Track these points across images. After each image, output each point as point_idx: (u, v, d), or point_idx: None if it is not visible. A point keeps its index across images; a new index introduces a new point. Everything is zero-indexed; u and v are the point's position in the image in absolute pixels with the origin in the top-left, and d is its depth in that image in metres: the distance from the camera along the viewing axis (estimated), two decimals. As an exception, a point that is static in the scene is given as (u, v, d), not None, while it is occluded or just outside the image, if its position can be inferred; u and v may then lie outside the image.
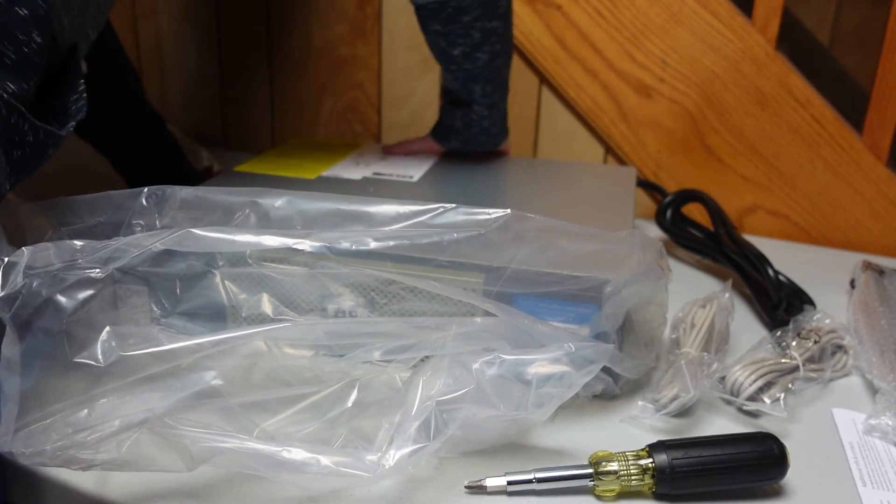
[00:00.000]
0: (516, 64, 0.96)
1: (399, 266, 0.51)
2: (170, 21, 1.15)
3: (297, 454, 0.39)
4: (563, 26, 0.91)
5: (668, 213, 0.81)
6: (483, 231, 0.48)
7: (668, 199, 0.82)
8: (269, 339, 0.43)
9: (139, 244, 0.43)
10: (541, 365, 0.43)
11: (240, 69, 1.14)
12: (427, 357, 0.46)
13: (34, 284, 0.41)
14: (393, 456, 0.40)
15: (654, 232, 0.84)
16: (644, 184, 0.88)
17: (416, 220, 0.49)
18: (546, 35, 0.92)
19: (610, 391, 0.53)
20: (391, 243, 0.46)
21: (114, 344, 0.40)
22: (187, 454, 0.39)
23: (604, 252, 0.51)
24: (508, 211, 0.49)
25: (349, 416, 0.44)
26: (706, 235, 0.79)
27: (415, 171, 0.76)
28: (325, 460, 0.39)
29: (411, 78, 1.03)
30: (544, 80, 0.95)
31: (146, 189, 0.50)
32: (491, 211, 0.49)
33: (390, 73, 1.04)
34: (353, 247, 0.46)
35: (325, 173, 0.74)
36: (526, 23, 0.92)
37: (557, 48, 0.92)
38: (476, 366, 0.43)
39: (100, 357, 0.40)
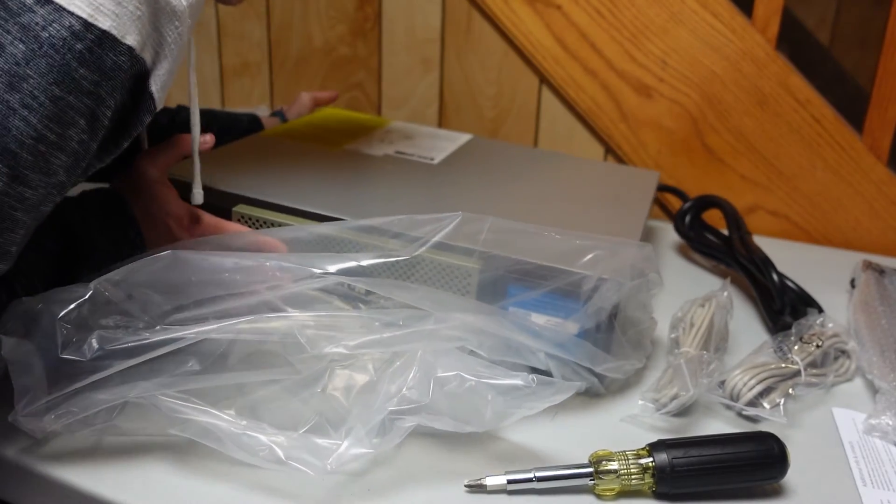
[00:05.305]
0: (517, 64, 0.96)
1: (400, 243, 0.52)
2: (170, 21, 1.15)
3: (256, 440, 0.42)
4: (563, 26, 0.90)
5: (687, 219, 0.81)
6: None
7: (687, 204, 0.82)
8: (244, 332, 0.45)
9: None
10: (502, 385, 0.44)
11: (240, 69, 1.14)
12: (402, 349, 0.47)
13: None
14: (339, 458, 0.42)
15: (672, 237, 0.84)
16: (666, 188, 0.88)
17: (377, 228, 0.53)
18: (546, 35, 0.92)
19: (595, 390, 0.53)
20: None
21: (95, 345, 0.43)
22: (164, 421, 0.43)
23: (589, 250, 0.52)
24: (459, 214, 0.51)
25: (319, 401, 0.46)
26: (721, 240, 0.78)
27: (438, 153, 0.77)
28: (279, 451, 0.42)
29: (411, 78, 1.03)
30: (544, 80, 0.95)
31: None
32: (442, 216, 0.51)
33: (390, 73, 1.04)
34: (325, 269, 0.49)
35: (348, 146, 0.76)
36: (526, 23, 0.92)
37: (557, 48, 0.92)
38: (435, 378, 0.44)
39: (85, 351, 0.43)
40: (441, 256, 0.54)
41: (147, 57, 0.45)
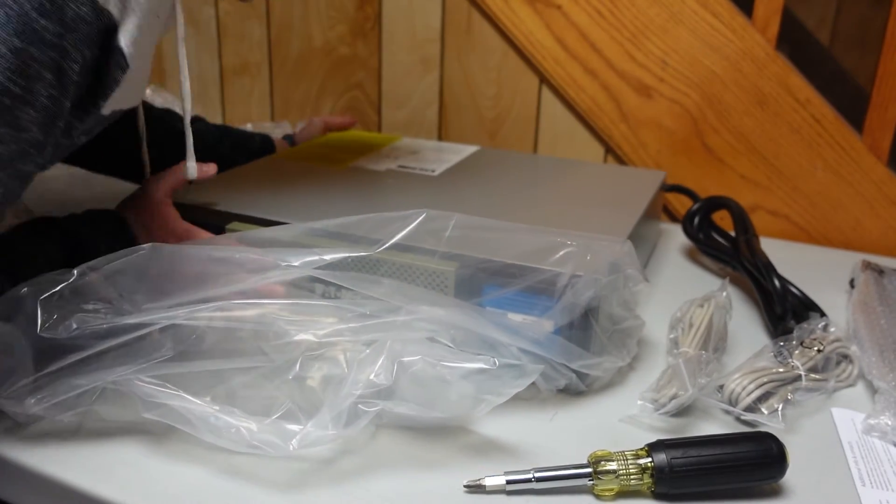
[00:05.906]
0: (517, 64, 0.96)
1: (374, 250, 0.53)
2: (170, 21, 1.15)
3: (225, 422, 0.44)
4: (563, 26, 0.91)
5: (696, 221, 0.80)
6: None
7: (695, 206, 0.81)
8: (217, 319, 0.46)
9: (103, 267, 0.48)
10: (465, 368, 0.45)
11: (240, 69, 1.14)
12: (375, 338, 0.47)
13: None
14: (303, 440, 0.43)
15: (681, 239, 0.84)
16: (676, 188, 0.87)
17: (343, 231, 0.54)
18: (546, 35, 0.92)
19: (574, 387, 0.53)
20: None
21: (73, 325, 0.45)
22: (139, 405, 0.45)
23: (561, 246, 0.52)
24: (424, 211, 0.52)
25: (292, 389, 0.47)
26: (729, 243, 0.77)
27: (440, 165, 0.77)
28: (246, 433, 0.43)
29: (411, 78, 1.03)
30: (544, 80, 0.95)
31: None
32: (406, 213, 0.52)
33: (390, 73, 1.04)
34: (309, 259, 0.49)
35: (353, 164, 0.77)
36: (526, 23, 0.92)
37: (557, 48, 0.92)
38: (399, 363, 0.44)
39: (62, 331, 0.45)
40: (417, 261, 0.54)
41: (113, 10, 0.45)
